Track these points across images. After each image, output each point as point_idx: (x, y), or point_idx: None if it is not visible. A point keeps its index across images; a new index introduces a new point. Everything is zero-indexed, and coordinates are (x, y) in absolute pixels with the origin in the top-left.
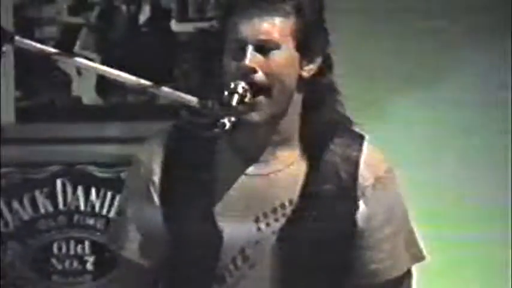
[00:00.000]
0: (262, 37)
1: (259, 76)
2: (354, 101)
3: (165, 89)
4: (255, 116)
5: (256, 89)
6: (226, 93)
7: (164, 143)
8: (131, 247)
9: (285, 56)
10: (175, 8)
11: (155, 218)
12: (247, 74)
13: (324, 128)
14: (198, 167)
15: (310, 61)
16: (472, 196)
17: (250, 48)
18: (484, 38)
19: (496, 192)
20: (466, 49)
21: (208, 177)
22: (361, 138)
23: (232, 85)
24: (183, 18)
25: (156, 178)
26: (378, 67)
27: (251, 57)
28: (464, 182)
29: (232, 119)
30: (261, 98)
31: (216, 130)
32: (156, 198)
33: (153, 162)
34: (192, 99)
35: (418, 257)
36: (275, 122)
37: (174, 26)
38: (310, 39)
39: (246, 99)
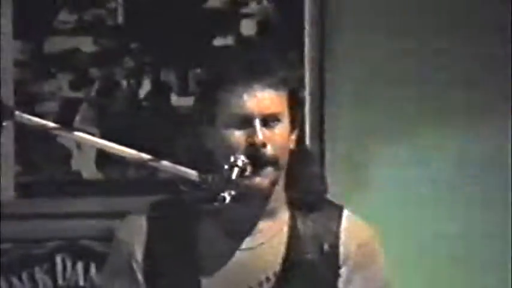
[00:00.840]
0: (268, 111)
1: (269, 150)
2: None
3: (165, 163)
4: (263, 181)
5: (265, 161)
6: (226, 166)
7: (146, 220)
8: None
9: (284, 127)
10: (175, 82)
11: None
12: (258, 149)
13: (303, 199)
14: (183, 243)
15: (294, 131)
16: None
17: (258, 123)
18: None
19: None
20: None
21: (194, 254)
22: (340, 209)
23: (232, 159)
24: (183, 92)
25: (139, 256)
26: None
27: (260, 131)
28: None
29: (232, 192)
30: (269, 169)
31: (216, 204)
32: (139, 277)
33: (135, 240)
34: (192, 173)
35: None
36: (268, 191)
37: (174, 100)
38: (295, 109)
39: (246, 173)
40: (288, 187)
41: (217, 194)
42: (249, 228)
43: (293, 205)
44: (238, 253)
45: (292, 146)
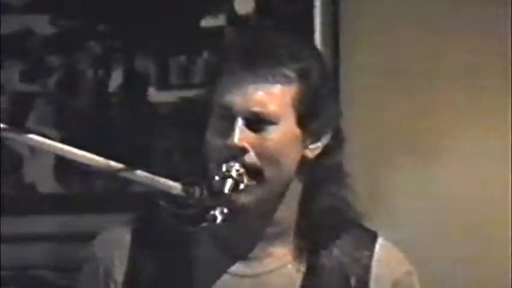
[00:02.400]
0: (256, 109)
1: (250, 157)
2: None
3: (141, 173)
4: (242, 199)
5: (246, 171)
6: (217, 178)
7: (131, 234)
8: None
9: (283, 132)
10: (153, 73)
11: None
12: (235, 154)
13: (328, 221)
14: (172, 264)
15: (316, 139)
16: None
17: (239, 123)
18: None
19: None
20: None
21: (185, 277)
22: (374, 236)
23: (225, 168)
24: (163, 85)
25: (119, 277)
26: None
27: (240, 133)
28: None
29: (225, 210)
30: (250, 184)
31: (205, 224)
32: None
33: (114, 256)
34: (175, 186)
35: None
36: (268, 210)
37: (152, 94)
38: (316, 111)
39: (242, 186)
40: (308, 207)
41: (207, 211)
42: (253, 251)
43: (313, 229)
44: (238, 280)
45: (311, 155)
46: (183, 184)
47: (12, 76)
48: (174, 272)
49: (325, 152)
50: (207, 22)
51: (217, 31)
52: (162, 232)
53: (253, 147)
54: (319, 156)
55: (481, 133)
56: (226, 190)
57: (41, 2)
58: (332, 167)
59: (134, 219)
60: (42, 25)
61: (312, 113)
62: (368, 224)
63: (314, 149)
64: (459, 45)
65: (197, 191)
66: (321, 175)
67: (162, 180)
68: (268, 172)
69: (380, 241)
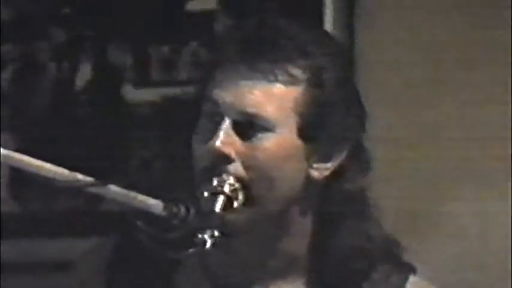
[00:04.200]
0: (249, 110)
1: (235, 168)
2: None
3: (114, 188)
4: (230, 217)
5: (223, 184)
6: (206, 194)
7: (99, 265)
8: None
9: (279, 142)
10: (130, 66)
11: None
12: (216, 162)
13: (350, 262)
14: None
15: (326, 156)
16: None
17: (226, 124)
18: None
19: None
20: None
21: None
22: (406, 272)
23: (216, 182)
24: (142, 81)
25: None
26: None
27: (225, 137)
28: None
29: (216, 233)
30: (237, 200)
31: (192, 250)
32: None
33: None
34: (155, 204)
35: None
36: (266, 238)
37: (129, 92)
38: (326, 121)
39: (236, 204)
40: (322, 243)
41: (194, 235)
42: (251, 286)
43: (330, 271)
44: None
45: (319, 176)
46: (166, 201)
47: None
48: None
49: (340, 174)
50: (194, 5)
51: (207, 16)
52: (139, 262)
53: (240, 156)
54: (332, 179)
55: None
56: (217, 209)
57: None
58: (351, 194)
59: (104, 248)
60: None
61: (320, 122)
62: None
63: (322, 169)
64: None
65: (182, 209)
66: (336, 203)
67: (140, 197)
68: (257, 189)
69: (412, 279)
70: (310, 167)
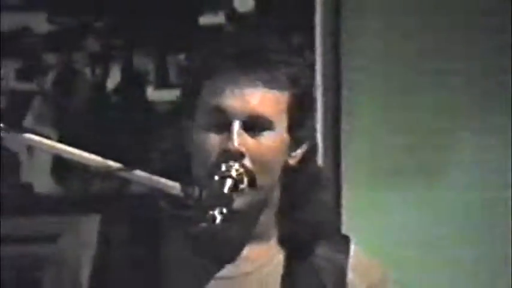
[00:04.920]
0: (254, 112)
1: (247, 164)
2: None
3: (140, 173)
4: (237, 202)
5: (237, 177)
6: (216, 177)
7: (99, 233)
8: None
9: (277, 139)
10: (152, 71)
11: None
12: (231, 158)
13: (308, 229)
14: (144, 263)
15: (299, 145)
16: None
17: (237, 126)
18: None
19: None
20: None
21: (157, 278)
22: (348, 241)
23: (224, 167)
24: (162, 83)
25: (85, 279)
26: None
27: (239, 137)
28: None
29: (224, 210)
30: (244, 188)
31: (204, 225)
32: None
33: (82, 259)
34: (174, 186)
35: None
36: (254, 215)
37: (151, 93)
38: (303, 119)
39: (241, 186)
40: (284, 213)
41: (206, 212)
42: (232, 253)
43: (289, 236)
44: (214, 282)
45: (293, 162)
46: (182, 184)
47: (9, 74)
48: (143, 273)
49: (304, 159)
50: (206, 19)
51: (216, 29)
52: (132, 229)
53: (249, 152)
54: (298, 163)
55: None
56: (225, 190)
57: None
58: (312, 174)
59: (100, 219)
60: (39, 22)
61: (301, 120)
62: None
63: (295, 156)
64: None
65: (196, 191)
66: (301, 182)
67: (161, 180)
68: (260, 178)
69: (353, 247)
70: (289, 155)
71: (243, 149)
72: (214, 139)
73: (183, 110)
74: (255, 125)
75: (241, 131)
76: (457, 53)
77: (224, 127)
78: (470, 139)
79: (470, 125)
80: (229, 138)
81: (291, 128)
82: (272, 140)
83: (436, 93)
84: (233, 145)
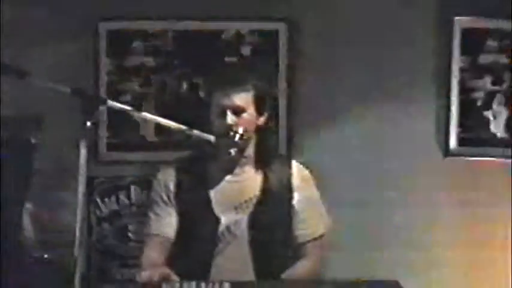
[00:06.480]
0: (238, 104)
1: (240, 128)
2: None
3: (195, 131)
4: (241, 144)
5: (235, 135)
6: (231, 134)
7: (174, 169)
8: (163, 228)
9: (251, 116)
10: (201, 83)
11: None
12: (230, 129)
13: (269, 154)
14: (198, 180)
15: (261, 115)
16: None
17: (229, 113)
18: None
19: None
20: None
21: (205, 185)
22: (290, 159)
23: (234, 129)
24: (207, 89)
25: (172, 188)
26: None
27: (231, 119)
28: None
29: (236, 149)
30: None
31: (225, 157)
32: (172, 202)
33: (168, 181)
34: (211, 138)
35: (327, 224)
36: (242, 150)
37: (201, 95)
38: (262, 104)
39: (245, 137)
40: (259, 149)
41: (227, 150)
42: (235, 170)
43: (262, 158)
44: (231, 184)
45: (260, 123)
46: (216, 137)
47: (135, 86)
48: (198, 184)
49: (265, 122)
50: (227, 59)
51: (231, 64)
52: (190, 165)
53: (239, 123)
54: (263, 123)
55: None
56: (236, 139)
57: (149, 51)
58: (269, 129)
59: (175, 160)
60: (150, 61)
61: (260, 105)
62: None
63: (261, 121)
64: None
65: (222, 140)
66: (265, 133)
67: (205, 135)
68: (247, 134)
69: (293, 162)
70: (258, 120)
71: (233, 124)
72: (220, 119)
73: (205, 107)
74: (237, 111)
75: (232, 116)
76: None
77: (224, 113)
78: None
79: None
80: (227, 118)
81: (257, 109)
82: (249, 117)
83: None
84: (227, 122)
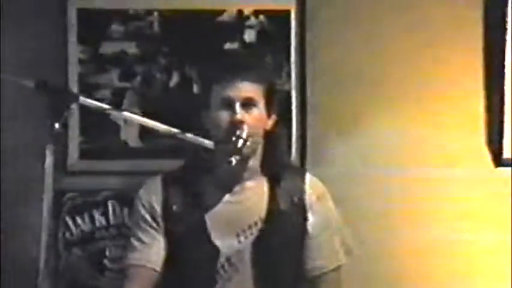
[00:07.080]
0: (247, 96)
1: (245, 128)
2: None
3: (189, 135)
4: (245, 151)
5: (242, 135)
6: (233, 138)
7: (161, 183)
8: (149, 257)
9: (260, 112)
10: (196, 76)
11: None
12: (237, 126)
13: (278, 166)
14: (191, 198)
15: (269, 117)
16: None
17: (237, 105)
18: None
19: None
20: None
21: (199, 204)
22: (304, 172)
23: (238, 132)
24: (204, 82)
25: (158, 209)
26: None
27: (240, 112)
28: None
29: (237, 157)
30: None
31: (225, 166)
32: (159, 220)
33: (153, 198)
34: (209, 143)
35: (349, 251)
36: (246, 161)
37: (195, 89)
38: (272, 101)
39: (248, 143)
40: (266, 158)
41: (227, 158)
42: (236, 187)
43: (270, 172)
44: (231, 205)
45: (268, 127)
46: (215, 143)
47: (113, 78)
48: (189, 201)
49: (273, 126)
50: (227, 46)
51: (232, 51)
52: (180, 182)
53: (246, 121)
54: (271, 128)
55: None
56: (239, 145)
57: (130, 35)
58: (279, 135)
59: (162, 175)
60: (131, 48)
61: (272, 101)
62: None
63: (269, 124)
64: None
65: (222, 146)
66: (273, 140)
67: (202, 139)
68: (255, 136)
69: (307, 175)
70: (266, 124)
71: (243, 119)
72: (224, 115)
73: (201, 104)
74: (246, 104)
75: (240, 109)
76: None
77: (230, 107)
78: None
79: None
80: (234, 113)
81: (267, 106)
82: (258, 113)
83: None
84: (236, 117)
